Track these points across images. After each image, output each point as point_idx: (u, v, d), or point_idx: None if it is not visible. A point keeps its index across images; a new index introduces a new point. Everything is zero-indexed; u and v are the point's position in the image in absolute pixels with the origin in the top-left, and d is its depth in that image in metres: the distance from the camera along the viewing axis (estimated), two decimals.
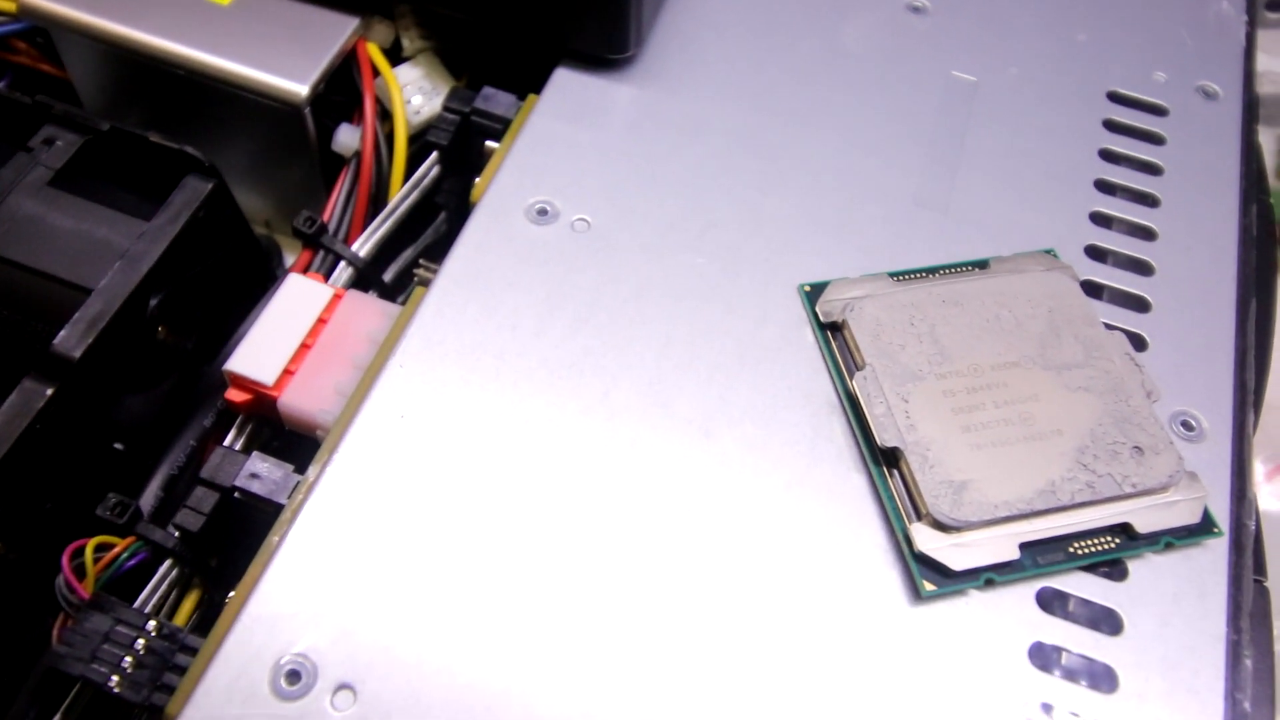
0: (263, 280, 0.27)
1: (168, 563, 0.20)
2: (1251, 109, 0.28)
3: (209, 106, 0.27)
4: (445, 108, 0.27)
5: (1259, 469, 0.37)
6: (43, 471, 0.21)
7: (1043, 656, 0.19)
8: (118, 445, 0.23)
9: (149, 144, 0.24)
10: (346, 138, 0.27)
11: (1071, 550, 0.20)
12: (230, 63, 0.26)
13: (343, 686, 0.18)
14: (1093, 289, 0.25)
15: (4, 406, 0.20)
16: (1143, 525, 0.20)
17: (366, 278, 0.26)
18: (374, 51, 0.27)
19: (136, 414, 0.24)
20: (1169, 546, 0.20)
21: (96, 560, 0.19)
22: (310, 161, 0.27)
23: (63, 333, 0.21)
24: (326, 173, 0.28)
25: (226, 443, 0.22)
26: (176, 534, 0.20)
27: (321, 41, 0.26)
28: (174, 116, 0.27)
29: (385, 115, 0.27)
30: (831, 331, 0.23)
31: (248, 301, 0.26)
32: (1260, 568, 0.22)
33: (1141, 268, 0.25)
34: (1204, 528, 0.21)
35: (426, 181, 0.27)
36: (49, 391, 0.20)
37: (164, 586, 0.20)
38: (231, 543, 0.21)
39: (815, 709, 0.18)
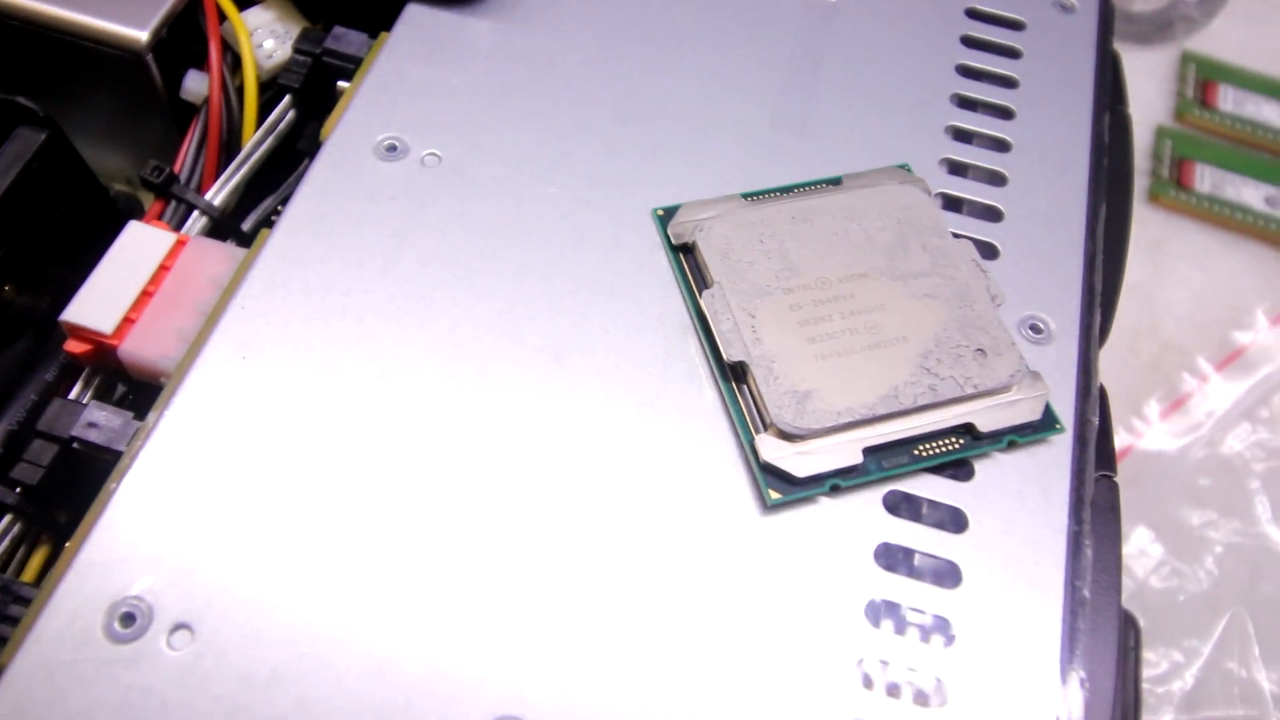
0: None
1: (8, 518, 0.20)
2: (1107, 20, 0.28)
3: (52, 60, 0.26)
4: (295, 50, 0.26)
5: (1154, 406, 0.37)
6: None
7: (889, 557, 0.20)
8: None
9: None
10: (194, 84, 0.26)
11: (916, 453, 0.20)
12: (66, 10, 0.25)
13: (180, 626, 0.18)
14: (952, 202, 0.25)
15: None
16: (985, 424, 0.21)
17: (224, 227, 0.25)
18: None
19: None
20: (1013, 445, 0.21)
21: None
22: (162, 112, 0.27)
23: None
24: (181, 124, 0.27)
25: (72, 395, 0.22)
26: (17, 490, 0.20)
27: None
28: (19, 74, 0.26)
29: (238, 61, 0.27)
30: (683, 253, 0.23)
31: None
32: (1109, 463, 0.23)
33: (996, 179, 0.25)
34: (1046, 424, 0.21)
35: (282, 126, 0.26)
36: None
37: (5, 543, 0.20)
38: (80, 497, 0.21)
39: (669, 617, 0.18)
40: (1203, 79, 0.45)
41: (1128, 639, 0.30)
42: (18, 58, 0.26)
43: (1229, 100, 0.45)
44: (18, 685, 0.17)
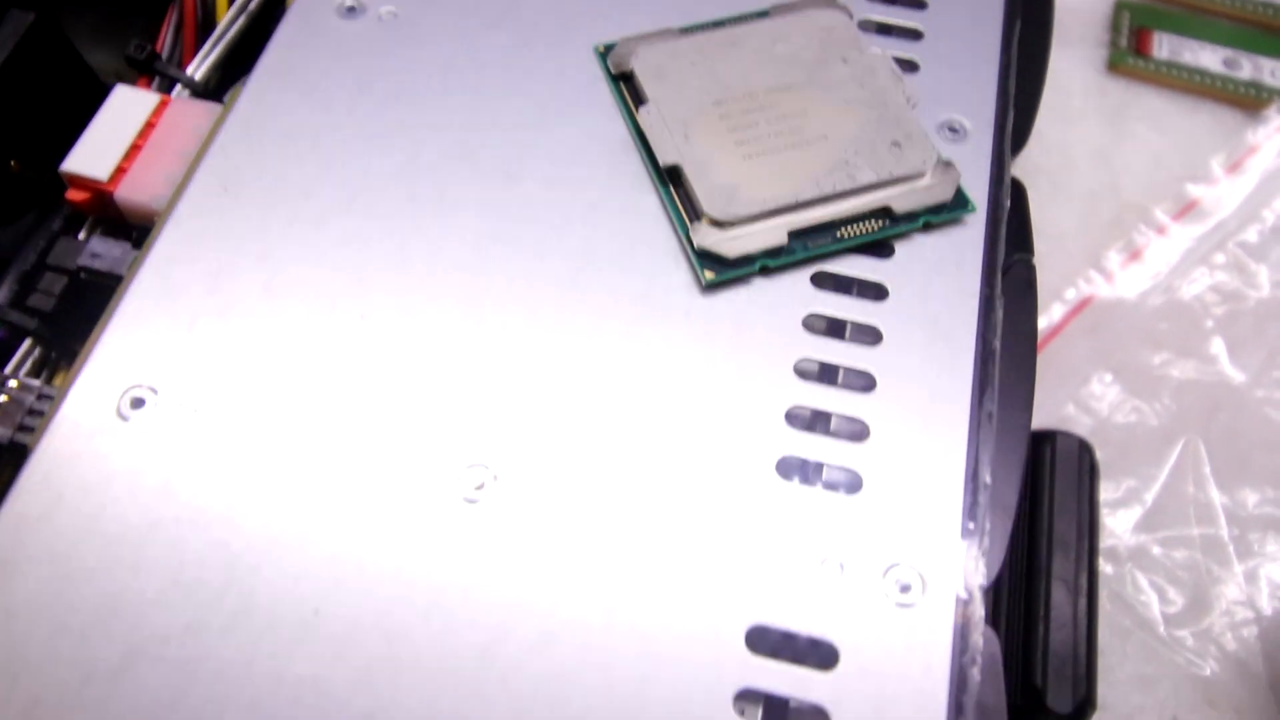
0: None
1: (28, 342, 0.23)
2: None
3: None
4: None
5: (1114, 258, 0.38)
6: None
7: (816, 325, 0.22)
8: None
9: None
10: None
11: (839, 235, 0.22)
12: None
13: (181, 403, 0.20)
14: (878, 27, 0.27)
15: None
16: (900, 206, 0.23)
17: (205, 99, 0.28)
18: None
19: (3, 247, 0.26)
20: (929, 226, 0.23)
21: None
22: (143, 3, 0.29)
23: None
24: (157, 18, 0.29)
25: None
26: (35, 318, 0.22)
27: None
28: None
29: None
30: (622, 80, 0.25)
31: None
32: (1026, 247, 0.25)
33: (916, 3, 0.27)
34: (958, 204, 0.23)
35: (253, 5, 0.28)
36: None
37: (28, 364, 0.22)
38: (90, 325, 0.23)
39: (623, 384, 0.21)
40: None
41: (1082, 461, 0.32)
42: None
43: None
44: (44, 462, 0.19)
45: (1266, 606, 0.32)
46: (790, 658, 0.18)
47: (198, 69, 0.27)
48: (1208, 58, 0.43)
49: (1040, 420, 0.31)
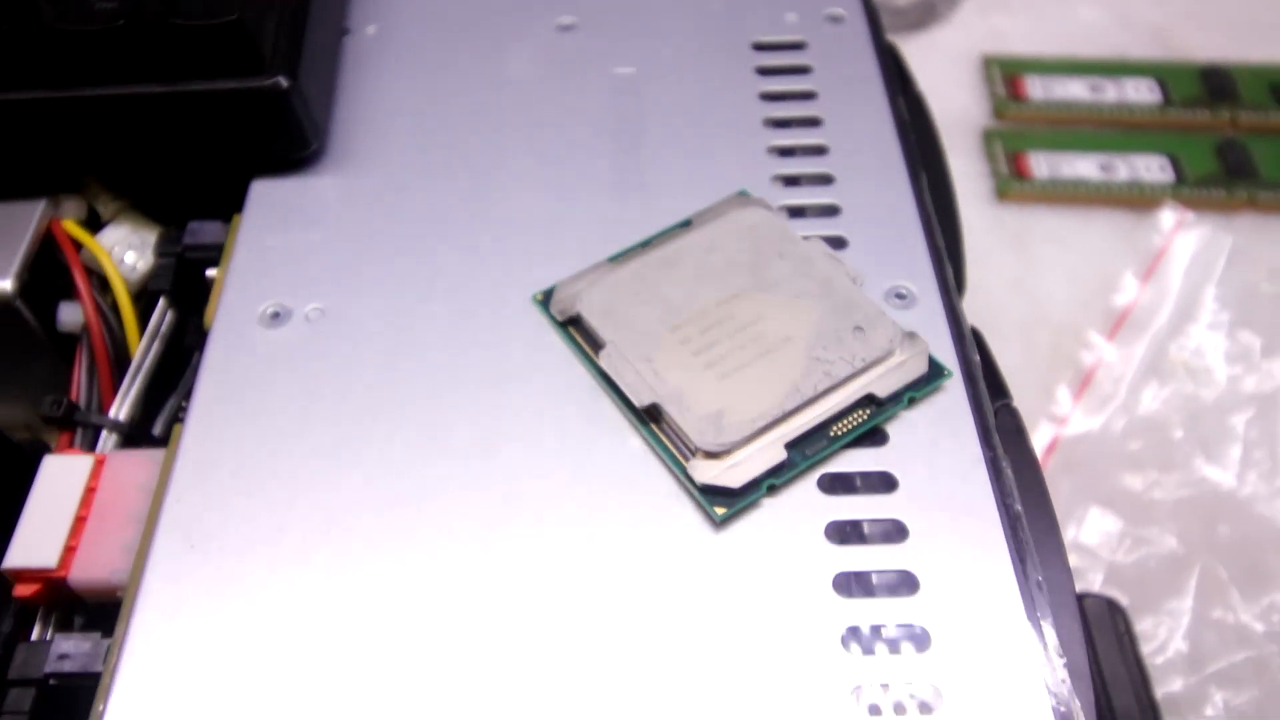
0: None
1: None
2: (874, 19, 0.31)
3: None
4: (158, 254, 0.27)
5: (1065, 393, 0.38)
6: None
7: (838, 533, 0.21)
8: None
9: None
10: (68, 315, 0.27)
11: (832, 434, 0.22)
12: None
13: None
14: (793, 211, 0.27)
15: None
16: (883, 390, 0.22)
17: (135, 439, 0.26)
18: (70, 226, 0.27)
19: None
20: (913, 401, 0.23)
21: None
22: (44, 351, 0.27)
23: None
24: (67, 356, 0.27)
25: (34, 638, 0.22)
26: None
27: (12, 233, 0.26)
28: None
29: (106, 282, 0.28)
30: (571, 325, 0.24)
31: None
32: (1003, 392, 0.25)
33: (825, 180, 0.27)
34: (935, 374, 0.23)
35: (164, 329, 0.27)
36: None
37: None
38: None
39: (657, 650, 0.19)
40: (1008, 75, 0.49)
41: (1117, 624, 0.32)
42: None
43: (1038, 88, 0.49)
44: None
45: None
46: None
47: (120, 409, 0.26)
48: (1084, 166, 0.46)
49: None
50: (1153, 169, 0.45)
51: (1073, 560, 0.34)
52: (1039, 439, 0.37)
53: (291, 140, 0.27)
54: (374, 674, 0.19)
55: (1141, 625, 0.32)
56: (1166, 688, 0.31)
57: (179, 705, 0.19)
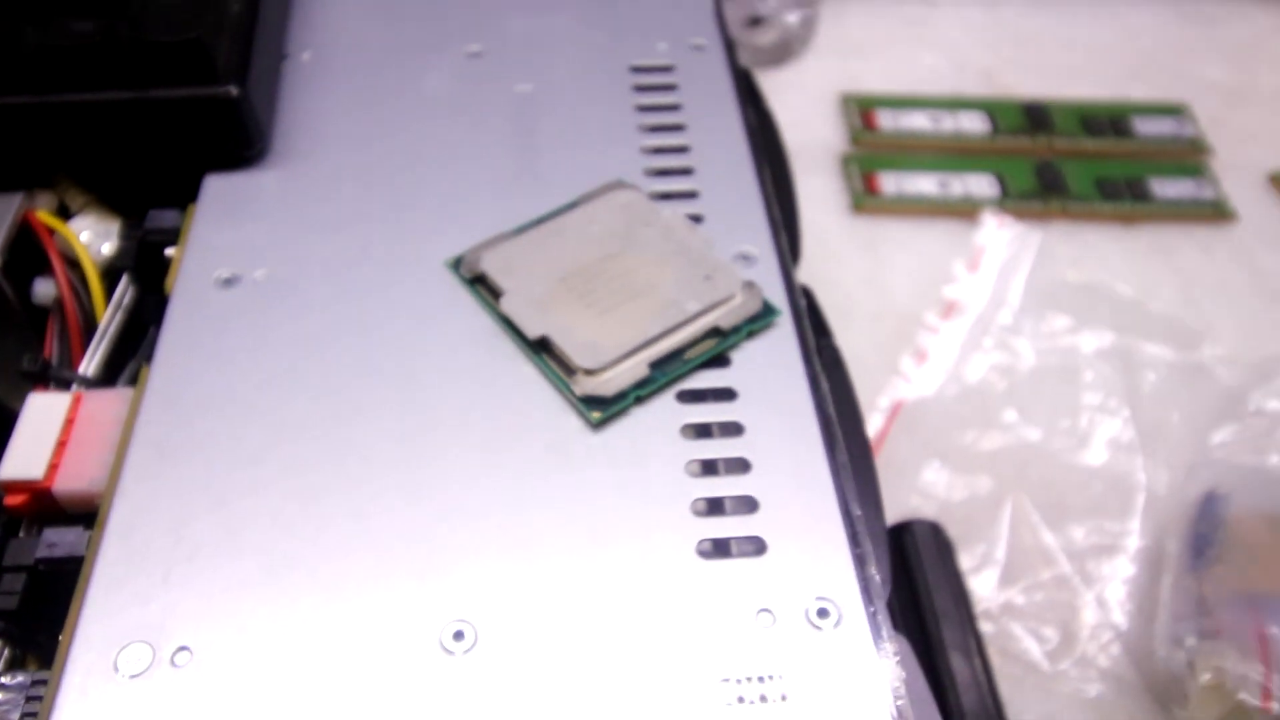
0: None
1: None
2: (730, 48, 0.38)
3: None
4: (122, 238, 0.32)
5: (908, 363, 0.45)
6: None
7: (692, 431, 0.27)
8: None
9: None
10: (42, 288, 0.31)
11: (685, 358, 0.28)
12: None
13: (180, 649, 0.22)
14: (662, 195, 0.33)
15: None
16: (726, 323, 0.28)
17: None
18: (44, 216, 0.32)
19: None
20: (751, 334, 0.29)
21: None
22: (18, 324, 0.31)
23: None
24: (37, 326, 0.32)
25: None
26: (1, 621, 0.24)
27: None
28: None
29: (75, 264, 0.32)
30: (477, 282, 0.30)
31: None
32: (825, 333, 0.31)
33: (686, 171, 0.34)
34: (767, 312, 0.29)
35: (127, 300, 0.31)
36: None
37: (4, 663, 0.24)
38: (56, 618, 0.24)
39: (549, 523, 0.24)
40: (862, 109, 0.57)
41: (939, 540, 0.38)
42: None
43: (888, 120, 0.57)
44: None
45: (1122, 621, 0.38)
46: (758, 700, 0.22)
47: (88, 367, 0.30)
48: (925, 184, 0.53)
49: (892, 514, 0.38)
50: (982, 185, 0.53)
51: (913, 502, 0.41)
52: (884, 405, 0.43)
53: (240, 140, 0.32)
54: (312, 548, 0.24)
55: (964, 552, 0.39)
56: (983, 603, 0.38)
57: (154, 574, 0.23)
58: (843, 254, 0.49)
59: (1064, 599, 0.37)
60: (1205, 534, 0.37)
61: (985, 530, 0.39)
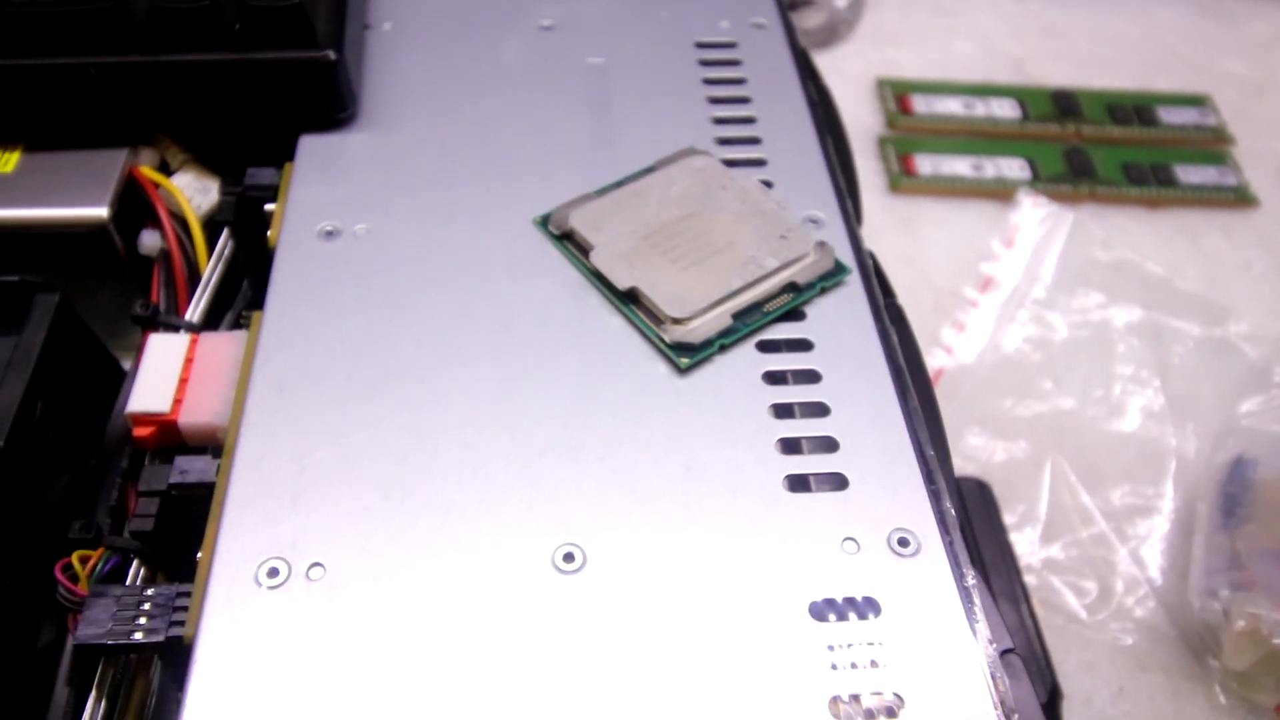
0: (116, 380, 0.32)
1: (135, 562, 0.25)
2: (789, 28, 0.40)
3: (25, 258, 0.32)
4: (223, 193, 0.33)
5: (947, 334, 0.47)
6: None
7: (772, 377, 0.28)
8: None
9: None
10: (149, 240, 0.33)
11: (765, 310, 0.29)
12: (35, 210, 0.31)
13: (314, 564, 0.24)
14: (730, 163, 0.35)
15: None
16: (801, 279, 0.30)
17: None
18: (148, 171, 0.33)
19: (47, 504, 0.29)
20: (824, 290, 0.30)
21: (82, 565, 0.24)
22: (121, 275, 0.33)
23: None
24: (141, 279, 0.33)
25: None
26: (136, 542, 0.26)
27: (103, 173, 0.32)
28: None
29: (177, 218, 0.34)
30: (566, 239, 0.31)
31: (109, 399, 0.31)
32: (890, 293, 0.33)
33: (753, 141, 0.35)
34: (839, 270, 0.31)
35: (227, 252, 0.33)
36: None
37: (140, 582, 0.25)
38: (186, 538, 0.26)
39: (650, 459, 0.26)
40: (898, 94, 0.59)
41: (986, 497, 0.40)
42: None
43: (922, 105, 0.59)
44: (207, 648, 0.23)
45: (1156, 576, 0.40)
46: (847, 618, 0.24)
47: (194, 313, 0.32)
48: (960, 166, 0.55)
49: None
50: (1014, 168, 0.54)
51: (957, 464, 0.42)
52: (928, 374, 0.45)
53: (334, 103, 0.34)
54: (426, 477, 0.26)
55: (1006, 512, 0.41)
56: (1025, 557, 0.39)
57: (283, 497, 0.25)
58: (881, 232, 0.51)
59: (1101, 555, 0.39)
60: (1235, 495, 0.39)
61: (1025, 491, 0.41)
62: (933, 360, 0.46)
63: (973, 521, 0.37)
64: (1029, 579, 0.38)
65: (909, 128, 0.57)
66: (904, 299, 0.49)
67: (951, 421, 0.43)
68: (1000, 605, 0.35)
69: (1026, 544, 0.39)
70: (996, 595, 0.35)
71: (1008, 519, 0.40)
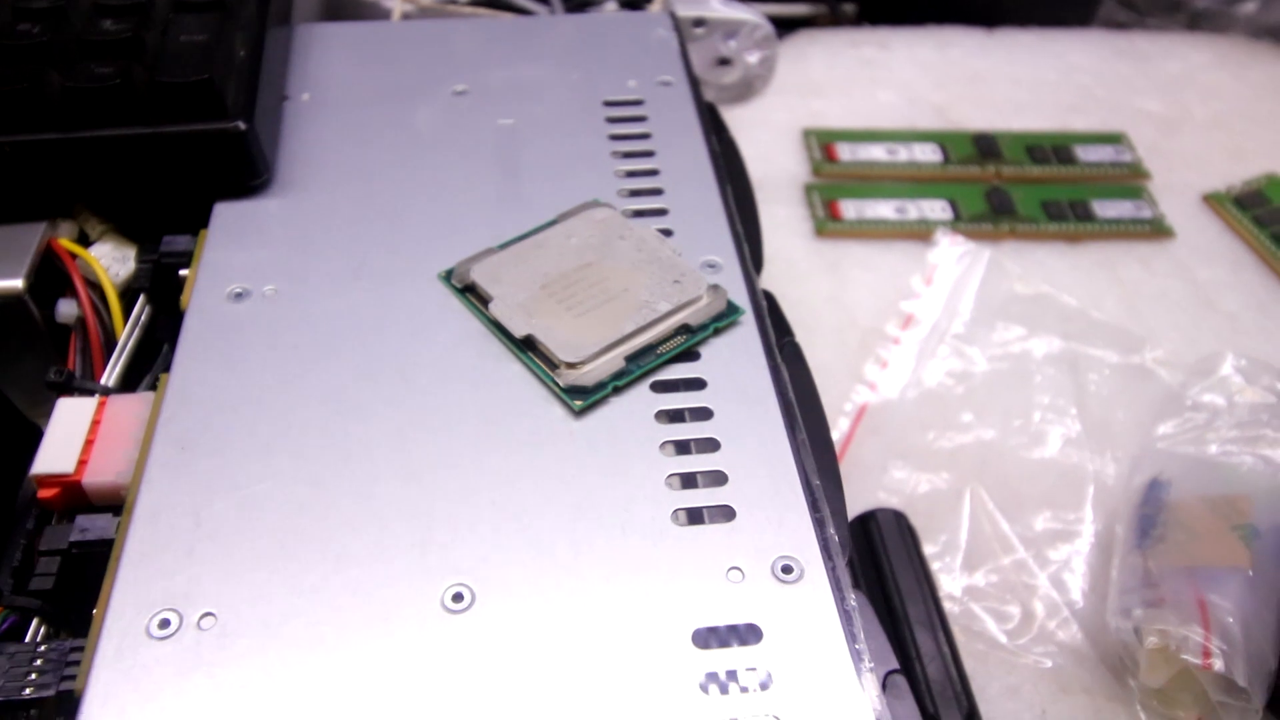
0: (32, 447, 0.33)
1: (35, 621, 0.26)
2: (695, 84, 0.42)
3: None
4: (139, 261, 0.34)
5: (871, 370, 0.48)
6: None
7: (666, 415, 0.29)
8: None
9: None
10: (66, 308, 0.34)
11: (658, 352, 0.31)
12: None
13: (205, 614, 0.24)
14: (636, 213, 0.36)
15: None
16: (694, 320, 0.31)
17: None
18: (65, 242, 0.34)
19: None
20: (717, 330, 0.31)
21: None
22: (40, 343, 0.34)
23: None
24: (59, 345, 0.34)
25: None
26: (37, 600, 0.26)
27: (19, 246, 0.33)
28: None
29: (94, 286, 0.34)
30: (468, 291, 0.32)
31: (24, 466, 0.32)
32: (787, 331, 0.34)
33: (656, 192, 0.37)
34: (731, 310, 0.32)
35: (144, 318, 0.34)
36: None
37: (40, 639, 0.26)
38: (88, 596, 0.27)
39: (541, 496, 0.27)
40: (823, 143, 0.61)
41: (902, 527, 0.40)
42: None
43: (847, 152, 0.61)
44: (95, 700, 0.23)
45: (1077, 599, 0.40)
46: (730, 644, 0.24)
47: (109, 378, 0.32)
48: (883, 209, 0.57)
49: (859, 508, 0.40)
50: (936, 210, 0.56)
51: (879, 497, 0.43)
52: (850, 409, 0.46)
53: (247, 171, 0.35)
54: (321, 525, 0.26)
55: (928, 543, 0.41)
56: (947, 585, 0.40)
57: (180, 549, 0.26)
58: (808, 275, 0.52)
59: (1022, 581, 0.40)
60: (1150, 515, 0.39)
61: (947, 521, 0.42)
62: (858, 397, 0.47)
63: (889, 551, 0.37)
64: (951, 607, 0.39)
65: (834, 174, 0.59)
66: (831, 339, 0.51)
67: (875, 455, 0.45)
68: (916, 632, 0.36)
69: (948, 573, 0.40)
70: (913, 623, 0.36)
71: (930, 549, 0.40)
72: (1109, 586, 0.39)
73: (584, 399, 0.29)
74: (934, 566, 0.40)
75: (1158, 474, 0.41)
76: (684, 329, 0.31)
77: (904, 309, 0.50)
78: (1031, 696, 0.37)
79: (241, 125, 0.34)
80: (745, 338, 0.32)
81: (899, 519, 0.39)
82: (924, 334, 0.48)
